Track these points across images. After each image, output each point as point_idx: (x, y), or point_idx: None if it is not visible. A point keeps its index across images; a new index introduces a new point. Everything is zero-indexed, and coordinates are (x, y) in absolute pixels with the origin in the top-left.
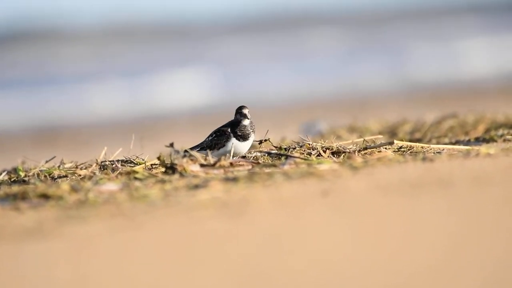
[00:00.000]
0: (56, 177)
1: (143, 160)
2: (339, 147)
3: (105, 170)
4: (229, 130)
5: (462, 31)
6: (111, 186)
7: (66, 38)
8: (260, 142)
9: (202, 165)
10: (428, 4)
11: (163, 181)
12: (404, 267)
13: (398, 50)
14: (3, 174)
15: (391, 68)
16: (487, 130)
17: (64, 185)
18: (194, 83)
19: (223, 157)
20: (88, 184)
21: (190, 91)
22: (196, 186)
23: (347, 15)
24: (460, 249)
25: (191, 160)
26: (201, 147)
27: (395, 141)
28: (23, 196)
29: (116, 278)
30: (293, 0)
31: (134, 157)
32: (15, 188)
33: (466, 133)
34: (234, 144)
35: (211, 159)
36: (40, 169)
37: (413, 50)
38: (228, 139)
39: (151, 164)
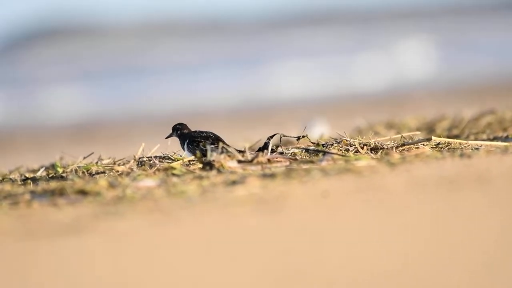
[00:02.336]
0: (94, 173)
1: (180, 156)
2: (377, 143)
3: (143, 166)
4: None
5: (504, 26)
6: (148, 182)
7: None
8: (298, 138)
9: (239, 161)
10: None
11: (200, 177)
12: (441, 264)
13: (436, 45)
14: (41, 170)
15: (428, 64)
16: None
17: (102, 181)
18: (230, 80)
19: (260, 153)
20: (126, 180)
21: (226, 88)
22: (234, 182)
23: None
24: (498, 246)
25: (229, 156)
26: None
27: (433, 138)
28: (61, 192)
29: (153, 273)
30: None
31: (172, 153)
32: (53, 184)
33: (504, 129)
34: None
35: (249, 155)
36: (78, 165)
37: (451, 45)
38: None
39: (189, 161)
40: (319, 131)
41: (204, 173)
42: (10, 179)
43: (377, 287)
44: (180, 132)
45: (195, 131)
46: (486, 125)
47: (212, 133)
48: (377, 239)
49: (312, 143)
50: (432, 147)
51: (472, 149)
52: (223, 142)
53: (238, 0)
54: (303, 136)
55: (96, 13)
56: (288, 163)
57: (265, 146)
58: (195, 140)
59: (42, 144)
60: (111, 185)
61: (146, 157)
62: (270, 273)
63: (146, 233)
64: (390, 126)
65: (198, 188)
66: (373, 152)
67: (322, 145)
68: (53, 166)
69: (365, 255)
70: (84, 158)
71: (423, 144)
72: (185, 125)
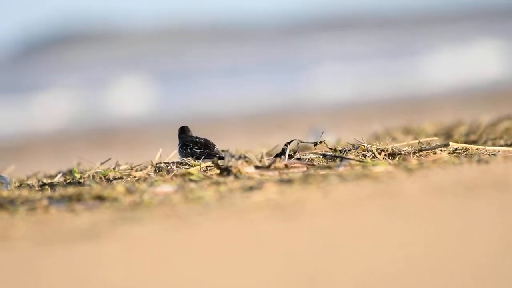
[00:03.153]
0: (111, 178)
1: (198, 162)
2: (394, 149)
3: (160, 172)
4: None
5: None
6: (166, 187)
7: (127, 39)
8: (315, 144)
9: (257, 167)
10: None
11: (217, 183)
12: (459, 270)
13: (452, 50)
14: (59, 175)
15: (446, 69)
16: None
17: (119, 187)
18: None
19: (277, 159)
20: (143, 185)
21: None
22: (251, 188)
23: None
24: None
25: (246, 162)
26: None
27: (450, 143)
28: (78, 198)
29: (170, 278)
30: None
31: (189, 159)
32: (70, 190)
33: None
34: None
35: (266, 161)
36: (95, 170)
37: (468, 51)
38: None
39: (206, 166)
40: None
41: (221, 179)
42: (28, 184)
43: None
44: (179, 135)
45: (192, 136)
46: (503, 130)
47: (205, 139)
48: (394, 245)
49: (329, 148)
50: (449, 153)
51: (489, 154)
52: (211, 149)
53: (255, 6)
54: (321, 142)
55: (112, 19)
56: (305, 168)
57: (282, 152)
58: (186, 144)
59: (58, 149)
60: (129, 191)
61: (164, 162)
62: (286, 278)
63: (163, 239)
64: (407, 131)
65: (215, 193)
66: (390, 157)
67: (340, 150)
68: (70, 172)
69: (382, 261)
70: (102, 163)
71: (441, 150)
72: (186, 128)
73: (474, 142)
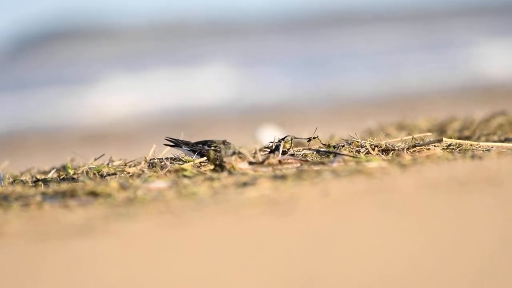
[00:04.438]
0: (105, 174)
1: (191, 157)
2: (388, 145)
3: (154, 168)
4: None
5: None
6: (159, 183)
7: (113, 36)
8: (309, 140)
9: (250, 163)
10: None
11: (211, 179)
12: (453, 266)
13: (446, 47)
14: (52, 171)
15: (440, 66)
16: None
17: (113, 183)
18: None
19: (271, 155)
20: (137, 181)
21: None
22: (245, 184)
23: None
24: (509, 248)
25: (240, 158)
26: (193, 150)
27: (444, 139)
28: (71, 194)
29: (164, 274)
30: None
31: (183, 155)
32: (64, 186)
33: None
34: None
35: (260, 157)
36: (89, 166)
37: (460, 48)
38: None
39: (200, 162)
40: (270, 138)
41: (215, 175)
42: (21, 180)
43: None
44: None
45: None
46: (497, 126)
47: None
48: (388, 241)
49: (323, 144)
50: (443, 149)
51: (483, 150)
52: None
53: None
54: (314, 138)
55: (107, 15)
56: (299, 164)
57: (276, 148)
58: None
59: (52, 145)
60: (122, 187)
61: (157, 158)
62: (281, 275)
63: (157, 235)
64: (401, 127)
65: (209, 189)
66: (384, 153)
67: (333, 146)
68: (64, 168)
69: (376, 257)
70: (95, 159)
71: (434, 146)
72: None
73: (467, 138)
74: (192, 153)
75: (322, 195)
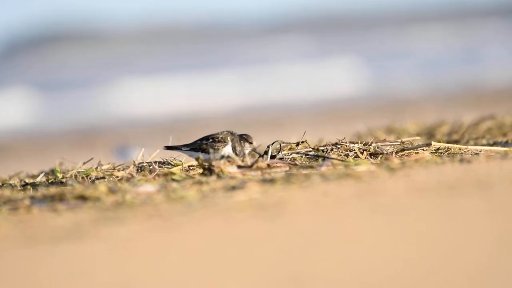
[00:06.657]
0: (93, 178)
1: (180, 161)
2: (377, 149)
3: (143, 172)
4: (229, 138)
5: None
6: (148, 187)
7: (112, 39)
8: (298, 143)
9: (239, 167)
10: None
11: (200, 183)
12: (440, 269)
13: (435, 52)
14: (41, 175)
15: (427, 70)
16: None
17: (102, 187)
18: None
19: (260, 159)
20: (125, 185)
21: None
22: (233, 188)
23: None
24: (498, 251)
25: (229, 161)
26: (192, 148)
27: (433, 143)
28: (60, 198)
29: (153, 278)
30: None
31: (172, 159)
32: (53, 190)
33: (504, 135)
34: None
35: (249, 161)
36: (78, 170)
37: (449, 52)
38: (225, 146)
39: (189, 166)
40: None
41: (203, 179)
42: (10, 184)
43: None
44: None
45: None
46: (486, 130)
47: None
48: (376, 244)
49: (312, 148)
50: (432, 152)
51: (472, 154)
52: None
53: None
54: (302, 142)
55: (98, 19)
56: (288, 168)
57: (265, 152)
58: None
59: (41, 149)
60: (111, 191)
61: (146, 162)
62: (270, 277)
63: (146, 239)
64: (390, 131)
65: (197, 193)
66: (372, 157)
67: (322, 150)
68: (52, 172)
69: (365, 260)
70: (84, 163)
71: (423, 149)
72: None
73: (456, 142)
74: (192, 153)
75: (311, 199)
